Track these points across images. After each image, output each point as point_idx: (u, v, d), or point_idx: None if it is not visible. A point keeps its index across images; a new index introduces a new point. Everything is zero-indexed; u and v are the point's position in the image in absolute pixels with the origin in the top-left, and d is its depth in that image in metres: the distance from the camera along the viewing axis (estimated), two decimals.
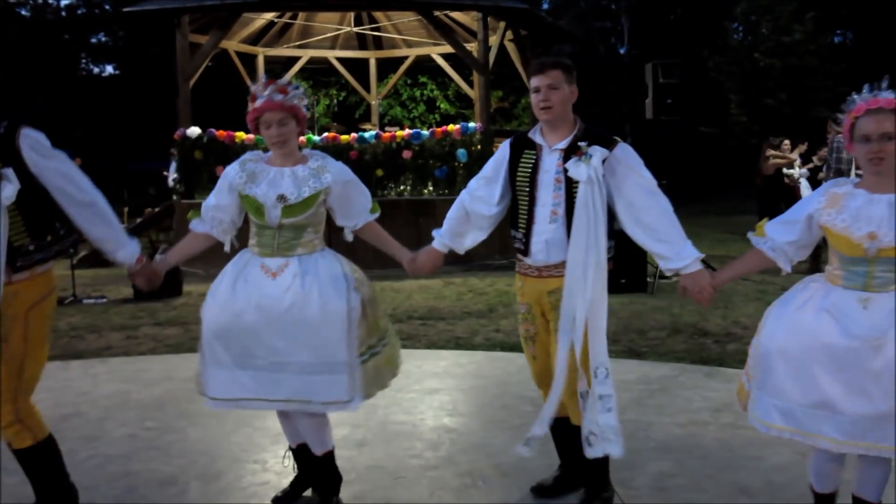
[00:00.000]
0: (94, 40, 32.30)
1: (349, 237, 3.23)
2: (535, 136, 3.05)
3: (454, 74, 15.29)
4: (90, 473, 3.60)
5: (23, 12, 29.55)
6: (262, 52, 14.99)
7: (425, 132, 11.04)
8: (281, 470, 3.61)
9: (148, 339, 6.57)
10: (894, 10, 22.87)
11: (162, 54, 19.12)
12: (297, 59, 15.76)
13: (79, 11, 31.40)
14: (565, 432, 3.18)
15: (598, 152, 2.88)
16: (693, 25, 28.47)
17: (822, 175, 10.49)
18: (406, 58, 15.93)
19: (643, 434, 4.00)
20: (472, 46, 12.63)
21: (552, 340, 3.03)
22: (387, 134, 10.91)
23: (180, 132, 10.95)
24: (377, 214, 3.20)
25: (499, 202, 3.14)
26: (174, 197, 11.94)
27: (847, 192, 2.55)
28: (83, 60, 32.22)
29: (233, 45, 14.01)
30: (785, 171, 10.77)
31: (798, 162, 11.00)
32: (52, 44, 28.06)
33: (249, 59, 15.07)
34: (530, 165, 3.02)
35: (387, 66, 17.51)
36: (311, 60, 15.99)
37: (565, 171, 2.92)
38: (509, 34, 13.13)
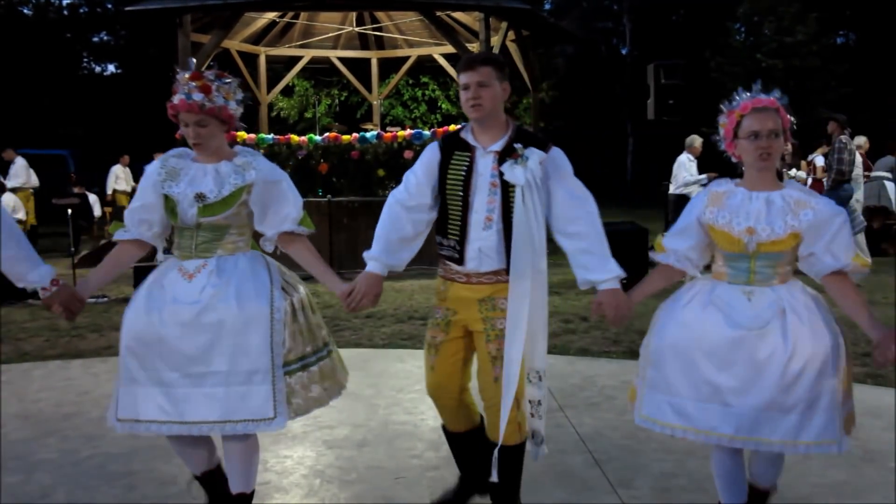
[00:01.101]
0: (96, 39, 32.34)
1: (268, 248, 2.88)
2: (467, 136, 2.84)
3: (456, 75, 15.28)
4: (91, 473, 3.61)
5: (25, 11, 29.59)
6: (263, 52, 15.00)
7: (427, 132, 11.02)
8: (282, 470, 3.61)
9: None
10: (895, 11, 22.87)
11: (163, 54, 19.12)
12: (298, 58, 15.76)
13: (81, 10, 31.44)
14: (470, 445, 3.07)
15: (534, 154, 2.72)
16: (695, 26, 28.46)
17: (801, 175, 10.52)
18: (408, 58, 15.92)
19: (644, 435, 3.99)
20: (473, 47, 12.62)
21: (482, 355, 2.86)
22: (388, 134, 10.89)
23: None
24: (307, 230, 2.84)
25: (432, 208, 2.89)
26: None
27: (728, 191, 2.65)
28: (85, 59, 32.25)
29: (235, 44, 14.02)
30: (797, 173, 10.75)
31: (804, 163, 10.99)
32: (54, 43, 28.09)
33: (251, 59, 15.08)
34: (463, 168, 2.80)
35: (388, 66, 17.50)
36: (313, 60, 15.98)
37: (501, 174, 2.74)
38: (511, 35, 13.11)
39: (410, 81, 21.05)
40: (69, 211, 9.77)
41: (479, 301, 2.82)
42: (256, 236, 2.91)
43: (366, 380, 5.09)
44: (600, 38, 32.20)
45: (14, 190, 11.29)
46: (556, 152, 2.85)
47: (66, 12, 31.19)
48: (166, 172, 2.78)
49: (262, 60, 15.06)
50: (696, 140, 10.71)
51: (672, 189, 10.55)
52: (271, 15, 14.00)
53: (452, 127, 11.07)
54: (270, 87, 15.69)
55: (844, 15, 26.15)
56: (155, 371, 2.68)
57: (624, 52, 31.93)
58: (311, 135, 11.01)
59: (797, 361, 2.44)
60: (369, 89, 16.50)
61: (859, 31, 27.89)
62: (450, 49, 13.19)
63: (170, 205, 2.75)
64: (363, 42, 16.06)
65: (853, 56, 24.31)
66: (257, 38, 14.76)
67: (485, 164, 2.79)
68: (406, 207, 2.87)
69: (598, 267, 2.79)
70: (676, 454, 3.71)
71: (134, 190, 13.75)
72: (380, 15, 14.85)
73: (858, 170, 9.92)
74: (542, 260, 2.76)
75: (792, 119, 2.65)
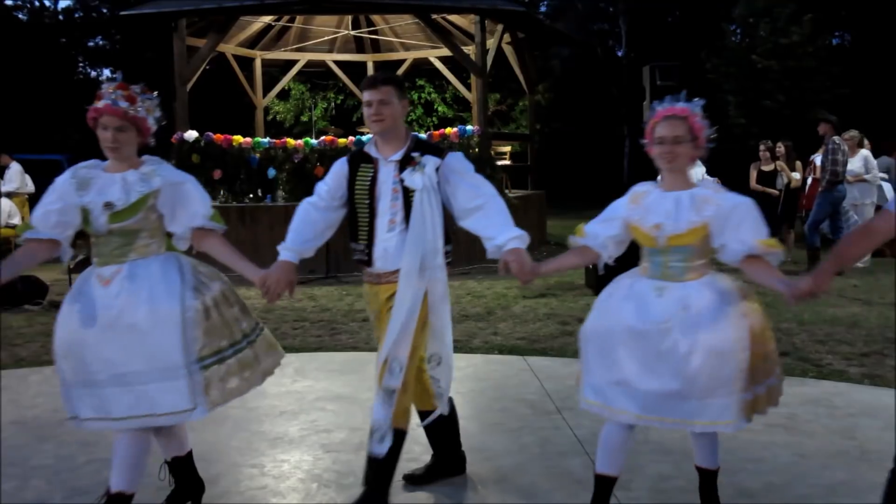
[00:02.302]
0: (91, 44, 32.30)
1: (182, 246, 3.06)
2: (371, 150, 3.17)
3: (452, 77, 15.30)
4: (88, 478, 3.60)
5: (20, 16, 29.56)
6: (259, 56, 15.01)
7: (423, 135, 11.01)
8: (279, 474, 3.60)
9: None
10: (892, 12, 22.91)
11: (159, 58, 19.13)
12: (294, 62, 15.78)
13: (76, 15, 31.42)
14: (440, 425, 3.40)
15: (431, 161, 3.05)
16: (691, 28, 28.49)
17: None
18: (404, 61, 15.94)
19: (641, 436, 3.99)
20: (469, 49, 12.63)
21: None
22: None
23: (177, 136, 10.94)
24: (218, 225, 3.02)
25: (338, 208, 3.24)
26: None
27: (646, 191, 2.92)
28: (80, 64, 32.22)
29: (230, 48, 14.02)
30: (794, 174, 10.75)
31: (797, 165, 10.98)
32: (49, 47, 28.07)
33: (247, 63, 15.09)
34: (368, 178, 3.14)
35: (384, 69, 17.52)
36: (309, 63, 16.00)
37: (401, 181, 3.06)
38: (507, 37, 13.13)
39: (406, 84, 21.06)
40: None
41: (386, 298, 3.14)
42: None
43: (363, 383, 5.08)
44: (596, 39, 32.20)
45: (9, 195, 11.27)
46: (453, 157, 3.17)
47: (61, 17, 31.17)
48: (77, 182, 2.92)
49: (258, 64, 15.07)
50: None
51: None
52: (267, 19, 14.01)
53: (449, 130, 11.09)
54: (266, 90, 15.69)
55: (840, 16, 26.20)
56: (84, 374, 2.82)
57: (620, 53, 31.96)
58: (307, 138, 11.03)
59: (697, 355, 2.65)
60: None
61: (855, 31, 27.95)
62: (446, 52, 13.21)
63: (83, 213, 2.90)
64: (359, 45, 16.08)
65: (849, 57, 24.35)
66: (253, 42, 14.77)
67: (387, 173, 3.12)
68: (317, 207, 3.24)
69: (500, 232, 3.05)
70: (674, 455, 3.71)
71: None
72: (375, 18, 14.87)
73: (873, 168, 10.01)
74: (439, 256, 3.04)
75: (707, 124, 2.87)
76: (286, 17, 14.27)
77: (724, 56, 21.74)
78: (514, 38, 13.28)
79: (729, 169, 12.10)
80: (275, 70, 17.41)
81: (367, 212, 3.13)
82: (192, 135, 10.89)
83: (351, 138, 10.90)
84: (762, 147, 10.72)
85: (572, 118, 29.04)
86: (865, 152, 10.32)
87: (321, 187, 3.26)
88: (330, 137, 10.93)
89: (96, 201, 2.87)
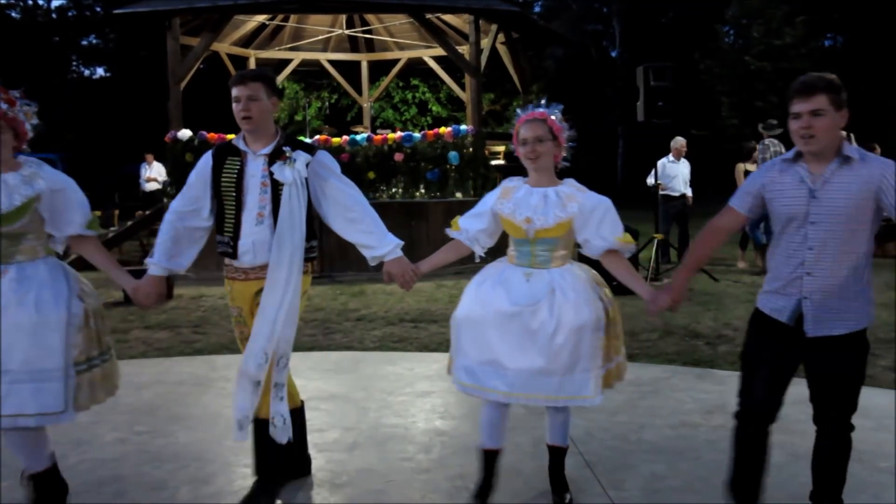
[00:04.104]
0: (84, 43, 32.20)
1: (58, 248, 3.13)
2: (239, 143, 3.19)
3: (446, 77, 15.30)
4: (80, 478, 3.58)
5: (13, 14, 29.44)
6: (253, 55, 14.98)
7: (417, 135, 11.02)
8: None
9: (138, 342, 6.54)
10: (884, 15, 23.01)
11: (153, 57, 19.08)
12: (288, 61, 15.74)
13: (69, 14, 31.30)
14: (297, 421, 3.38)
15: (301, 157, 3.12)
16: (684, 29, 28.58)
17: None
18: (398, 60, 15.92)
19: (635, 436, 4.01)
20: (463, 49, 12.64)
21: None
22: (378, 136, 10.90)
23: (171, 134, 10.92)
24: (94, 232, 3.13)
25: (209, 214, 3.23)
26: (164, 200, 11.91)
27: (515, 186, 3.13)
28: (74, 63, 32.11)
29: (224, 47, 13.99)
30: None
31: None
32: (42, 46, 27.96)
33: (241, 62, 15.05)
34: (235, 171, 3.15)
35: (378, 69, 17.51)
36: (303, 63, 15.98)
37: (271, 174, 3.10)
38: (501, 37, 13.13)
39: (401, 84, 21.09)
40: None
41: (255, 294, 3.16)
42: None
43: (356, 383, 5.08)
44: (590, 40, 32.27)
45: None
46: (323, 155, 3.25)
47: (54, 15, 31.05)
48: None
49: (252, 63, 15.03)
50: (676, 141, 10.80)
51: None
52: (261, 18, 13.98)
53: (443, 129, 11.08)
54: None
55: (832, 18, 26.30)
56: None
57: (614, 54, 32.02)
58: (302, 137, 11.00)
59: (561, 333, 2.89)
60: (359, 92, 16.50)
61: (847, 34, 28.07)
62: (440, 51, 13.19)
63: None
64: (353, 45, 16.06)
65: (841, 59, 24.46)
66: (247, 41, 14.74)
67: (256, 167, 3.15)
68: (181, 214, 3.23)
69: (379, 243, 3.22)
70: (667, 455, 3.72)
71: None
72: (370, 17, 14.85)
73: None
74: (300, 252, 3.10)
75: (566, 126, 3.15)
76: (280, 17, 14.24)
77: (718, 57, 21.83)
78: (509, 37, 13.29)
79: (722, 169, 12.09)
80: (269, 69, 17.37)
81: (233, 204, 3.14)
82: (185, 134, 10.87)
83: (345, 137, 10.89)
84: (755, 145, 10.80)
85: (566, 118, 29.08)
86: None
87: (186, 187, 3.26)
88: (324, 136, 10.92)
89: None
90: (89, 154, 24.17)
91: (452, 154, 10.77)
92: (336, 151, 10.61)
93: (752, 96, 20.35)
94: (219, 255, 3.23)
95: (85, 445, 4.01)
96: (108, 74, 32.20)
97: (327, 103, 21.83)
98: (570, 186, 3.11)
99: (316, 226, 3.28)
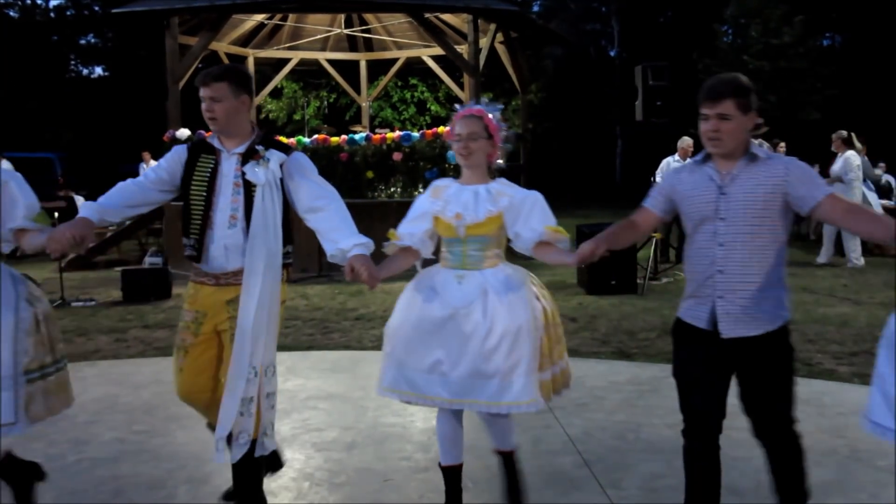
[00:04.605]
0: (83, 42, 32.15)
1: (5, 248, 2.96)
2: (214, 141, 3.07)
3: (445, 76, 15.29)
4: (78, 477, 3.58)
5: (11, 13, 29.40)
6: (252, 54, 14.96)
7: (416, 134, 11.01)
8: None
9: (137, 342, 6.53)
10: (882, 14, 23.02)
11: (151, 56, 19.07)
12: (287, 60, 15.73)
13: (68, 13, 31.26)
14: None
15: (275, 156, 2.97)
16: (683, 28, 28.58)
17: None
18: (396, 60, 15.92)
19: (633, 435, 4.01)
20: (462, 48, 12.63)
21: (228, 351, 2.98)
22: (377, 136, 10.89)
23: (169, 134, 10.91)
24: (36, 225, 2.92)
25: (161, 192, 3.07)
26: None
27: (446, 185, 3.11)
28: (72, 62, 32.07)
29: (223, 46, 13.98)
30: None
31: None
32: (41, 45, 27.92)
33: (239, 61, 15.00)
34: (208, 170, 3.01)
35: (377, 68, 17.50)
36: (302, 62, 15.96)
37: (243, 174, 2.95)
38: (500, 36, 13.13)
39: (399, 83, 21.06)
40: (55, 214, 9.72)
41: (227, 302, 3.00)
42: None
43: (355, 382, 5.08)
44: (589, 39, 32.29)
45: None
46: (299, 155, 3.11)
47: (52, 14, 31.01)
48: None
49: (251, 62, 15.02)
50: (683, 141, 10.75)
51: None
52: (259, 17, 13.97)
53: (441, 129, 11.08)
54: (259, 89, 15.63)
55: (830, 17, 26.31)
56: None
57: (612, 53, 32.02)
58: (300, 137, 10.99)
59: (494, 335, 2.85)
60: (358, 91, 16.49)
61: (845, 33, 28.09)
62: (439, 51, 13.19)
63: None
64: (352, 44, 16.05)
65: (839, 58, 24.46)
66: (245, 41, 14.73)
67: (229, 166, 3.01)
68: (140, 184, 3.06)
69: (345, 238, 2.99)
70: (665, 454, 3.72)
71: None
72: (368, 17, 14.84)
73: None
74: (278, 257, 2.98)
75: (504, 126, 3.14)
76: (279, 16, 14.23)
77: (716, 56, 21.83)
78: (507, 37, 13.28)
79: None
80: (267, 68, 17.35)
81: (202, 205, 2.98)
82: (184, 133, 10.85)
83: (343, 137, 10.88)
84: (780, 145, 10.86)
85: (565, 118, 29.08)
86: (848, 153, 10.18)
87: (152, 169, 3.10)
88: (322, 136, 10.90)
89: None
90: (87, 153, 24.14)
91: (451, 153, 10.76)
92: (334, 151, 10.61)
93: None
94: (186, 259, 3.07)
95: (83, 445, 4.01)
96: (106, 74, 32.16)
97: (326, 103, 21.80)
98: (502, 184, 3.09)
99: (294, 230, 3.13)
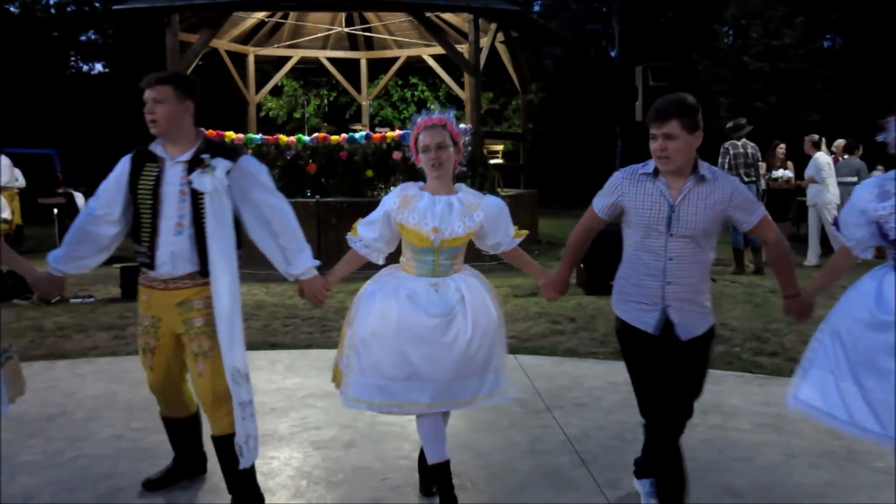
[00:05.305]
0: (83, 38, 32.09)
1: None
2: (157, 149, 3.07)
3: (445, 76, 15.29)
4: (76, 474, 3.58)
5: (12, 9, 29.36)
6: (252, 52, 14.96)
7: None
8: (268, 471, 3.60)
9: (135, 338, 6.50)
10: (882, 16, 23.02)
11: (152, 53, 19.01)
12: (287, 58, 15.73)
13: (68, 9, 31.21)
14: (186, 431, 3.43)
15: (221, 164, 2.96)
16: (683, 29, 28.56)
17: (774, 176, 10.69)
18: (397, 59, 15.92)
19: (631, 436, 4.01)
20: (463, 48, 12.63)
21: (187, 353, 3.09)
22: (377, 135, 10.89)
23: None
24: None
25: (121, 219, 3.13)
26: None
27: (415, 195, 3.09)
28: (73, 58, 32.00)
29: (223, 44, 13.97)
30: (772, 173, 10.83)
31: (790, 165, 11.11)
32: (41, 41, 27.88)
33: (240, 59, 15.03)
34: (153, 178, 3.03)
35: (377, 67, 17.50)
36: (302, 60, 15.96)
37: (190, 182, 2.96)
38: (500, 36, 13.13)
39: (399, 82, 21.04)
40: (55, 210, 9.72)
41: (177, 305, 3.05)
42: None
43: None
44: (589, 40, 32.25)
45: None
46: (247, 160, 3.09)
47: (53, 11, 30.96)
48: None
49: (251, 60, 15.02)
50: None
51: None
52: (260, 15, 13.97)
53: None
54: (259, 87, 15.64)
55: (831, 19, 26.31)
56: None
57: (612, 54, 32.00)
58: (300, 135, 10.99)
59: (476, 337, 2.98)
60: (358, 90, 16.49)
61: (845, 34, 28.08)
62: (439, 50, 13.19)
63: None
64: (352, 42, 16.05)
65: (839, 59, 24.45)
66: (246, 38, 14.72)
67: (174, 174, 3.02)
68: (95, 217, 3.12)
69: (295, 261, 3.12)
70: None
71: None
72: (369, 15, 14.84)
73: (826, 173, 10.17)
74: (233, 262, 2.98)
75: (463, 130, 3.22)
76: (279, 14, 14.22)
77: (716, 57, 21.82)
78: (508, 37, 13.29)
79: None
80: (268, 66, 17.35)
81: (149, 213, 3.02)
82: None
83: (343, 135, 10.88)
84: (780, 145, 10.91)
85: (565, 118, 29.07)
86: (817, 155, 10.43)
87: (101, 188, 3.15)
88: (322, 134, 10.90)
89: None
90: (87, 150, 24.11)
91: None
92: (334, 149, 10.61)
93: (751, 96, 20.35)
94: (139, 265, 3.14)
95: (81, 442, 4.00)
96: (106, 70, 32.10)
97: (326, 101, 21.77)
98: (468, 193, 3.14)
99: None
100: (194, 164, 2.98)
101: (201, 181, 2.93)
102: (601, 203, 3.00)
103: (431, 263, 3.05)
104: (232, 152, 3.05)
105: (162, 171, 3.03)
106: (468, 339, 2.96)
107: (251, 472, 3.10)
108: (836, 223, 2.99)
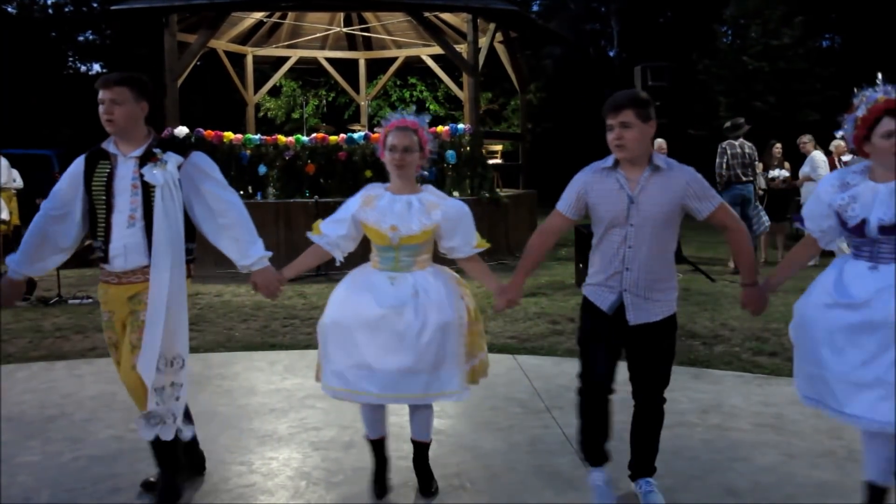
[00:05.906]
0: (81, 38, 32.08)
1: None
2: (109, 146, 3.16)
3: (444, 76, 15.29)
4: (75, 475, 3.58)
5: (9, 10, 29.34)
6: (250, 52, 14.95)
7: None
8: (268, 472, 3.59)
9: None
10: (881, 16, 23.04)
11: (150, 53, 19.02)
12: (286, 59, 15.73)
13: (66, 9, 31.19)
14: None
15: (172, 158, 3.08)
16: (682, 29, 28.56)
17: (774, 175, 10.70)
18: (395, 59, 15.92)
19: (629, 435, 4.00)
20: (461, 48, 12.63)
21: (125, 343, 3.15)
22: (376, 135, 10.86)
23: (168, 132, 10.89)
24: None
25: (77, 218, 3.18)
26: None
27: (377, 195, 3.21)
28: (71, 59, 31.99)
29: (221, 44, 13.96)
30: (770, 173, 10.83)
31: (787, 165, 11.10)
32: (39, 42, 27.87)
33: (238, 59, 15.02)
34: (105, 175, 3.12)
35: (376, 67, 17.49)
36: (301, 60, 15.95)
37: (141, 176, 3.06)
38: (499, 36, 13.13)
39: (398, 82, 21.06)
40: None
41: (129, 298, 3.14)
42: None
43: None
44: (588, 39, 32.27)
45: None
46: (198, 156, 3.21)
47: (51, 11, 30.94)
48: None
49: (249, 61, 15.01)
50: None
51: None
52: (258, 15, 13.96)
53: (440, 128, 11.08)
54: (257, 87, 15.64)
55: (830, 18, 26.33)
56: None
57: (611, 53, 32.02)
58: (299, 135, 10.98)
59: (427, 332, 3.03)
60: (357, 90, 16.49)
61: (845, 34, 28.09)
62: (438, 50, 13.19)
63: None
64: (351, 43, 16.05)
65: (838, 59, 24.46)
66: (244, 39, 14.71)
67: (126, 169, 3.11)
68: (52, 218, 3.17)
69: (247, 253, 3.21)
70: (663, 455, 3.71)
71: None
72: (367, 16, 14.83)
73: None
74: (181, 253, 3.08)
75: (431, 136, 3.26)
76: (278, 14, 14.22)
77: (716, 57, 21.82)
78: (507, 37, 13.28)
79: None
80: (266, 67, 17.35)
81: (104, 208, 3.11)
82: (182, 131, 10.82)
83: (342, 135, 10.87)
84: (776, 145, 10.93)
85: (564, 118, 29.07)
86: (813, 153, 10.49)
87: (56, 188, 3.22)
88: (321, 135, 10.89)
89: None
90: (85, 150, 24.08)
91: (450, 153, 10.76)
92: (333, 150, 10.61)
93: (750, 96, 20.34)
94: (95, 260, 3.21)
95: (80, 443, 4.00)
96: (104, 71, 32.07)
97: (325, 101, 21.79)
98: (431, 194, 3.23)
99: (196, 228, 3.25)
100: (146, 159, 3.08)
101: (152, 174, 3.03)
102: (566, 202, 3.12)
103: (392, 260, 3.16)
104: (183, 147, 3.18)
105: (114, 167, 3.12)
106: (416, 333, 3.02)
107: (173, 444, 3.21)
108: (799, 218, 3.09)
